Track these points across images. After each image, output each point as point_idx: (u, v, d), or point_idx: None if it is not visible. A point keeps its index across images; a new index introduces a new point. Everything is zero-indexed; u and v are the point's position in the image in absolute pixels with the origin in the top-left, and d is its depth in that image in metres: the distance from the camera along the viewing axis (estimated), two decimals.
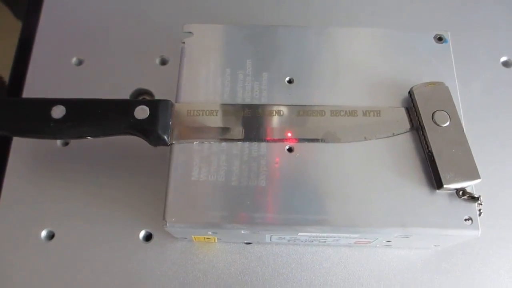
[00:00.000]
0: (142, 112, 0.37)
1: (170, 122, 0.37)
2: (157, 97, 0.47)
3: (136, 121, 0.36)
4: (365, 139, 0.37)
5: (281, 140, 0.37)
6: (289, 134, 0.37)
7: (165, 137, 0.36)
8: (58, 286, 0.41)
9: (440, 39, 0.41)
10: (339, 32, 0.42)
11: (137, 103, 0.37)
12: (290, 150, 0.37)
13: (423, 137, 0.37)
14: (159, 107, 0.37)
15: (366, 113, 0.38)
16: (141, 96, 0.48)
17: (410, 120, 0.38)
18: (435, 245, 0.42)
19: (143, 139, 0.37)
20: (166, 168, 0.36)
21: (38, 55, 0.50)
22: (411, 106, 0.38)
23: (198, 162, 0.36)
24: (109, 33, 0.51)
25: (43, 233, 0.43)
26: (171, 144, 0.37)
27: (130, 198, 0.43)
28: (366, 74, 0.40)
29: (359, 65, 0.40)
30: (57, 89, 0.48)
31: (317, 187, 0.36)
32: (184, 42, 0.40)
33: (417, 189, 0.36)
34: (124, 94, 0.47)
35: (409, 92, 0.38)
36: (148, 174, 0.43)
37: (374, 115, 0.38)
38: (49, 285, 0.41)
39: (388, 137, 0.37)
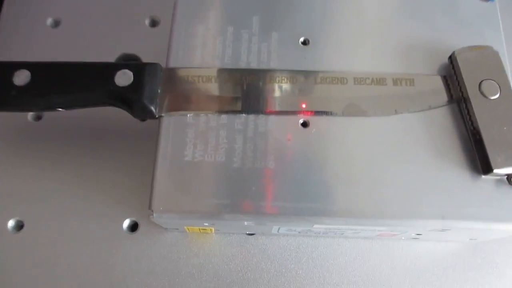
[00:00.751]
0: (124, 77, 0.30)
1: (159, 90, 0.30)
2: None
3: (116, 88, 0.30)
4: (396, 112, 0.31)
5: (294, 112, 0.30)
6: (304, 106, 0.30)
7: (152, 108, 0.30)
8: (28, 284, 0.34)
9: None
10: None
11: (118, 66, 0.30)
12: (304, 124, 0.30)
13: (466, 111, 0.30)
14: (145, 72, 0.30)
15: (396, 81, 0.31)
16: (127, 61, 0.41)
17: (449, 91, 0.31)
18: (471, 239, 0.35)
19: (126, 110, 0.30)
20: (154, 146, 0.30)
21: (7, 16, 0.43)
22: (451, 74, 0.31)
23: (192, 139, 0.30)
24: None
25: (10, 223, 0.36)
26: (159, 116, 0.30)
27: (112, 181, 0.37)
28: (397, 35, 0.33)
29: (388, 24, 0.34)
30: (29, 55, 0.41)
31: (337, 170, 0.29)
32: None
33: (459, 174, 0.30)
34: (110, 59, 0.40)
35: (449, 58, 0.32)
36: (133, 153, 0.37)
37: (406, 84, 0.31)
38: (18, 282, 0.34)
39: (422, 110, 0.31)
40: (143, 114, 0.30)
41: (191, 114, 0.30)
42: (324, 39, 0.33)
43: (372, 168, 0.29)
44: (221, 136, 0.30)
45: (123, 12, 0.42)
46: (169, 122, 0.30)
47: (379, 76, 0.31)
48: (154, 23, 0.42)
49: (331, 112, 0.30)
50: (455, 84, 0.31)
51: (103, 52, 0.40)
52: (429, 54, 0.33)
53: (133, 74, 0.30)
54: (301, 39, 0.33)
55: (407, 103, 0.31)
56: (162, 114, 0.30)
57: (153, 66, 0.31)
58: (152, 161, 0.29)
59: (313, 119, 0.30)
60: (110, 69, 0.30)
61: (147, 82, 0.30)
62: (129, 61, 0.41)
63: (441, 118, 0.31)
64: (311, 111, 0.30)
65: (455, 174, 0.29)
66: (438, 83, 0.32)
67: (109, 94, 0.30)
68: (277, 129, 0.30)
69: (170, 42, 0.32)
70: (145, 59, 0.40)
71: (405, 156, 0.30)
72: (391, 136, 0.30)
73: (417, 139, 0.30)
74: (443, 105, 0.31)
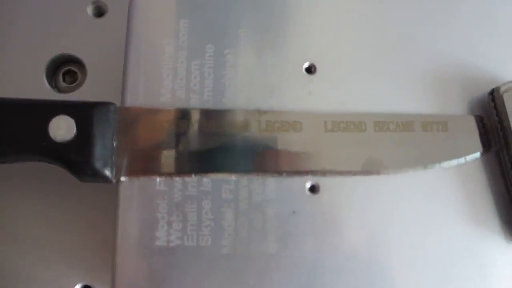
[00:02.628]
0: (62, 127, 0.21)
1: (114, 143, 0.22)
2: (89, 68, 0.30)
3: (51, 144, 0.21)
4: (424, 168, 0.24)
5: (299, 173, 0.23)
6: (312, 163, 0.23)
7: (106, 172, 0.21)
8: None
9: None
10: None
11: (52, 110, 0.21)
12: (313, 189, 0.23)
13: (509, 162, 0.24)
14: (93, 118, 0.21)
15: (427, 125, 0.24)
16: (64, 66, 0.31)
17: (486, 136, 0.25)
18: None
19: (68, 171, 0.22)
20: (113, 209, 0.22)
21: None
22: (491, 114, 0.25)
23: (165, 214, 0.22)
24: None
25: None
26: (117, 181, 0.22)
27: (63, 242, 0.28)
28: (424, 63, 0.26)
29: (414, 49, 0.26)
30: None
31: (358, 251, 0.22)
32: None
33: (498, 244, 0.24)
34: (38, 63, 0.30)
35: (490, 94, 0.25)
36: (87, 205, 0.28)
37: (438, 129, 0.24)
38: None
39: (458, 164, 0.24)
40: (93, 178, 0.22)
41: (162, 178, 0.22)
42: (335, 66, 0.25)
43: (401, 246, 0.23)
44: (205, 209, 0.22)
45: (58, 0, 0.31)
46: (132, 190, 0.22)
47: (406, 119, 0.24)
48: (99, 12, 0.32)
49: (346, 172, 0.23)
50: (494, 127, 0.25)
51: (32, 52, 0.30)
52: (461, 88, 0.26)
53: (76, 122, 0.21)
54: (305, 65, 0.25)
55: (440, 155, 0.24)
56: (121, 178, 0.22)
57: (105, 107, 0.22)
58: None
59: (324, 181, 0.23)
60: (41, 114, 0.21)
61: (97, 133, 0.21)
62: (66, 65, 0.31)
63: (475, 172, 0.25)
64: (322, 171, 0.23)
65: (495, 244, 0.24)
66: (473, 126, 0.25)
67: (42, 152, 0.21)
68: (278, 197, 0.23)
69: (125, 66, 0.23)
70: (88, 60, 0.30)
71: (435, 224, 0.24)
72: (419, 200, 0.24)
73: (447, 201, 0.24)
74: (480, 155, 0.25)
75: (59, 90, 0.30)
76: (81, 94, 0.30)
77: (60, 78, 0.31)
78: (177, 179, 0.22)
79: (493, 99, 0.25)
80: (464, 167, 0.24)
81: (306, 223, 0.22)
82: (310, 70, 0.24)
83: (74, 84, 0.30)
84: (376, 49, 0.25)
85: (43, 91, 0.30)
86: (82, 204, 0.27)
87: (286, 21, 0.25)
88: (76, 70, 0.31)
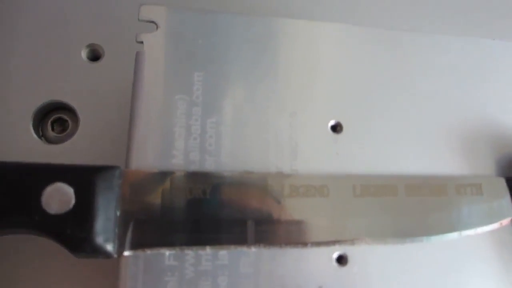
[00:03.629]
0: (57, 197, 0.18)
1: (118, 212, 0.19)
2: (82, 116, 0.27)
3: (45, 217, 0.18)
4: (460, 234, 0.22)
5: (326, 243, 0.20)
6: (340, 232, 0.20)
7: (108, 247, 0.18)
8: None
9: None
10: (413, 40, 0.24)
11: (47, 177, 0.18)
12: (341, 260, 0.21)
13: None
14: (95, 185, 0.18)
15: (460, 188, 0.22)
16: (53, 114, 0.28)
17: None
18: None
19: (64, 247, 0.19)
20: None
21: None
22: None
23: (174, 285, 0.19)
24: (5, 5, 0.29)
25: None
26: (118, 255, 0.19)
27: None
28: (450, 118, 0.24)
29: (440, 103, 0.24)
30: None
31: None
32: (142, 42, 0.21)
33: None
34: (25, 109, 0.27)
35: None
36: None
37: (472, 193, 0.22)
38: None
39: (492, 229, 0.22)
40: (92, 254, 0.19)
41: (172, 252, 0.19)
42: (362, 125, 0.23)
43: None
44: (221, 286, 0.19)
45: (49, 40, 0.28)
46: (136, 266, 0.19)
47: (439, 183, 0.22)
48: (94, 56, 0.29)
49: (377, 240, 0.21)
50: None
51: (20, 97, 0.27)
52: (490, 147, 0.24)
53: (75, 191, 0.18)
54: (331, 123, 0.22)
55: (475, 220, 0.22)
56: (125, 252, 0.19)
57: (110, 172, 0.19)
58: None
59: (353, 251, 0.21)
60: (34, 180, 0.18)
61: (99, 204, 0.18)
62: (56, 112, 0.28)
63: (508, 237, 0.23)
64: (350, 240, 0.21)
65: None
66: (505, 188, 0.23)
67: (34, 225, 0.18)
68: (302, 270, 0.20)
69: (131, 124, 0.21)
70: (82, 108, 0.28)
71: None
72: (454, 271, 0.22)
73: (483, 269, 0.22)
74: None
75: (47, 140, 0.27)
76: (73, 144, 0.27)
77: (49, 127, 0.28)
78: (189, 252, 0.19)
79: None
80: (497, 233, 0.22)
81: None
82: (336, 129, 0.22)
83: (64, 134, 0.27)
84: (404, 107, 0.23)
85: (29, 141, 0.27)
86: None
87: (310, 78, 0.23)
88: (67, 118, 0.28)
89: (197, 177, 0.20)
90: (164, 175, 0.20)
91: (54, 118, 0.28)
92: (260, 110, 0.22)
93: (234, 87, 0.22)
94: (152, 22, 0.22)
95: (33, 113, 0.27)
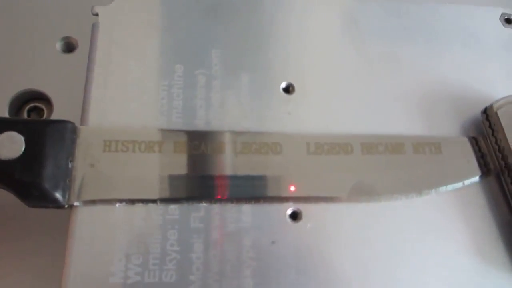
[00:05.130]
0: (9, 144, 0.19)
1: (70, 164, 0.19)
2: (57, 105, 0.28)
3: None
4: (420, 194, 0.21)
5: (278, 199, 0.20)
6: (293, 188, 0.20)
7: (57, 195, 0.19)
8: None
9: (509, 21, 0.26)
10: (365, 7, 0.25)
11: (1, 125, 0.19)
12: (294, 216, 0.20)
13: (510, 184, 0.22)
14: (45, 135, 0.19)
15: (418, 147, 0.22)
16: (29, 103, 0.29)
17: (482, 158, 0.22)
18: None
19: (13, 194, 0.19)
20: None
21: None
22: (486, 135, 0.23)
23: (123, 245, 0.19)
24: None
25: None
26: (69, 205, 0.19)
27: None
28: (410, 82, 0.24)
29: (396, 64, 0.24)
30: None
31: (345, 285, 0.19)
32: (97, 14, 0.22)
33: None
34: (2, 98, 0.28)
35: (483, 112, 0.23)
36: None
37: (431, 152, 0.22)
38: None
39: (455, 189, 0.22)
40: (42, 202, 0.19)
41: (121, 204, 0.19)
42: (315, 85, 0.23)
43: (394, 280, 0.20)
44: (170, 239, 0.19)
45: (24, 32, 0.30)
46: (86, 216, 0.19)
47: (395, 141, 0.22)
48: (68, 47, 0.30)
49: (331, 198, 0.21)
50: (490, 148, 0.23)
51: None
52: (450, 108, 0.24)
53: (25, 140, 0.19)
54: (283, 85, 0.23)
55: (435, 179, 0.22)
56: (75, 203, 0.19)
57: (61, 125, 0.19)
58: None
59: (306, 208, 0.20)
60: None
61: (48, 152, 0.19)
62: (32, 101, 0.29)
63: (474, 196, 0.22)
64: (304, 196, 0.20)
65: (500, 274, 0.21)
66: (468, 148, 0.23)
67: None
68: (254, 225, 0.20)
69: (87, 86, 0.21)
70: (56, 97, 0.28)
71: (437, 259, 0.21)
72: (417, 230, 0.21)
73: (450, 233, 0.21)
74: (478, 178, 0.22)
75: None
76: None
77: (25, 115, 0.28)
78: (139, 205, 0.19)
79: (487, 118, 0.23)
80: (462, 192, 0.22)
81: (287, 254, 0.20)
82: (288, 90, 0.23)
83: None
84: (358, 68, 0.24)
85: None
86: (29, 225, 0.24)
87: (261, 38, 0.24)
88: (42, 107, 0.29)
89: (148, 134, 0.20)
90: (117, 131, 0.20)
91: (30, 107, 0.29)
92: (210, 72, 0.22)
93: (186, 53, 0.22)
94: None
95: (9, 101, 0.28)
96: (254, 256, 0.19)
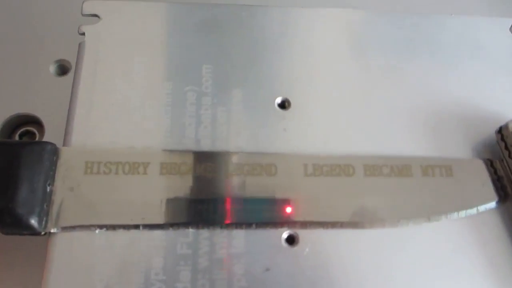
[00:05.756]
0: None
1: (48, 188, 0.18)
2: (49, 129, 0.27)
3: None
4: (428, 220, 0.19)
5: (274, 223, 0.19)
6: (288, 210, 0.19)
7: (33, 222, 0.17)
8: None
9: None
10: (366, 18, 0.24)
11: None
12: (290, 240, 0.19)
13: None
14: (21, 158, 0.18)
15: (427, 170, 0.21)
16: (21, 127, 0.28)
17: (498, 181, 0.21)
18: None
19: None
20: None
21: None
22: (503, 157, 0.21)
23: (104, 273, 0.17)
24: None
25: None
26: (47, 233, 0.18)
27: None
28: (413, 96, 0.23)
29: (401, 80, 0.23)
30: None
31: None
32: (83, 33, 0.22)
33: None
34: None
35: (498, 132, 0.21)
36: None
37: (442, 174, 0.21)
38: None
39: (467, 215, 0.20)
40: (17, 229, 0.17)
41: (103, 230, 0.18)
42: (313, 100, 0.22)
43: None
44: (155, 266, 0.17)
45: (17, 56, 0.29)
46: (65, 244, 0.18)
47: (402, 162, 0.20)
48: (62, 70, 0.29)
49: (331, 223, 0.19)
50: (508, 170, 0.21)
51: None
52: (460, 129, 0.22)
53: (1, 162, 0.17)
54: (278, 100, 0.21)
55: (446, 205, 0.20)
56: (54, 229, 0.18)
57: (39, 147, 0.18)
58: None
59: (303, 232, 0.19)
60: None
61: (24, 176, 0.17)
62: (24, 126, 0.28)
63: (490, 221, 0.20)
64: (301, 221, 0.19)
65: None
66: (482, 171, 0.21)
67: None
68: (248, 251, 0.18)
69: (71, 105, 0.20)
70: (48, 121, 0.28)
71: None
72: (424, 259, 0.19)
73: (459, 262, 0.19)
74: (495, 204, 0.20)
75: None
76: None
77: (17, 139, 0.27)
78: (121, 231, 0.18)
79: (502, 138, 0.21)
80: (476, 219, 0.20)
81: (283, 282, 0.18)
82: (284, 105, 0.21)
83: None
84: (359, 82, 0.22)
85: None
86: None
87: (256, 52, 0.22)
88: (34, 130, 0.28)
89: (134, 155, 0.19)
90: (100, 153, 0.19)
91: (22, 131, 0.28)
92: (201, 89, 0.21)
93: (176, 69, 0.21)
94: (95, 15, 0.22)
95: (1, 126, 0.27)
96: (246, 285, 0.18)
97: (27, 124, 0.28)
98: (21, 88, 0.28)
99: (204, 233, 0.18)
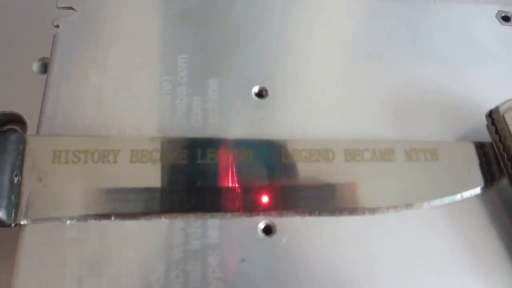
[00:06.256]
0: None
1: (16, 179, 0.17)
2: (31, 128, 0.27)
3: None
4: (409, 207, 0.19)
5: (250, 212, 0.18)
6: (265, 200, 0.18)
7: (1, 214, 0.17)
8: None
9: (506, 18, 0.24)
10: (344, 6, 0.24)
11: None
12: (267, 231, 0.18)
13: None
14: None
15: (411, 154, 0.20)
16: (4, 126, 0.28)
17: (487, 165, 0.20)
18: None
19: None
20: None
21: None
22: (495, 140, 0.20)
23: (76, 266, 0.17)
24: None
25: None
26: (16, 224, 0.17)
27: None
28: (396, 81, 0.22)
29: (381, 65, 0.22)
30: None
31: None
32: (58, 26, 0.21)
33: None
34: None
35: (488, 115, 0.20)
36: None
37: (426, 159, 0.20)
38: None
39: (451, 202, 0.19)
40: None
41: (74, 221, 0.17)
42: (291, 88, 0.21)
43: None
44: (127, 259, 0.17)
45: (1, 54, 0.29)
46: (34, 236, 0.17)
47: (385, 146, 0.20)
48: (45, 68, 0.29)
49: (309, 210, 0.18)
50: (498, 155, 0.20)
51: None
52: (446, 112, 0.21)
53: None
54: (255, 89, 0.21)
55: (429, 191, 0.19)
56: (22, 222, 0.17)
57: (4, 136, 0.18)
58: None
59: (281, 222, 0.18)
60: None
61: None
62: (7, 124, 0.28)
63: (473, 208, 0.19)
64: (278, 209, 0.18)
65: None
66: (471, 154, 0.20)
67: None
68: (222, 242, 0.18)
69: (45, 92, 0.20)
70: (32, 119, 0.27)
71: (426, 278, 0.18)
72: (403, 247, 0.18)
73: (443, 251, 0.18)
74: (480, 190, 0.20)
75: None
76: None
77: None
78: (92, 223, 0.17)
79: (493, 122, 0.20)
80: (458, 205, 0.19)
81: (259, 273, 0.17)
82: (261, 94, 0.21)
83: None
84: (339, 69, 0.22)
85: None
86: None
87: (231, 41, 0.22)
88: (18, 129, 0.27)
89: (104, 142, 0.19)
90: (69, 140, 0.18)
91: (5, 129, 0.27)
92: (176, 79, 0.21)
93: (150, 59, 0.21)
94: (70, 8, 0.22)
95: None
96: (221, 276, 0.17)
97: (10, 122, 0.28)
98: (4, 86, 0.28)
99: (178, 223, 0.18)
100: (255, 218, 0.18)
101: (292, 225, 0.18)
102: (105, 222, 0.18)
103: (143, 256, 0.17)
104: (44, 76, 0.28)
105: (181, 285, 0.17)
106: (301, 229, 0.18)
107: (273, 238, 0.18)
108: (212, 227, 0.18)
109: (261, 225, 0.18)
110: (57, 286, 0.16)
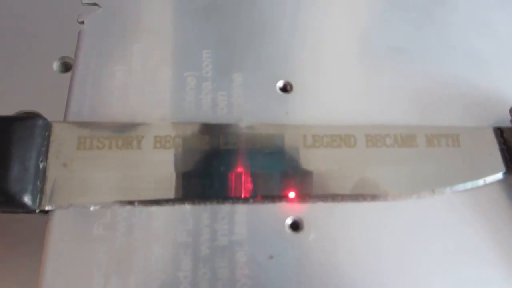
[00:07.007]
0: None
1: (41, 165, 0.18)
2: None
3: None
4: (433, 192, 0.19)
5: (272, 199, 0.18)
6: (287, 185, 0.18)
7: (26, 199, 0.17)
8: None
9: None
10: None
11: None
12: (295, 226, 0.18)
13: None
14: (11, 134, 0.18)
15: (432, 139, 0.20)
16: None
17: (508, 153, 0.20)
18: None
19: None
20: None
21: None
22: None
23: (104, 257, 0.17)
24: None
25: None
26: (42, 211, 0.17)
27: None
28: (419, 73, 0.22)
29: (403, 57, 0.22)
30: None
31: None
32: (83, 22, 0.22)
33: None
34: None
35: None
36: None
37: (448, 144, 0.20)
38: None
39: (473, 187, 0.19)
40: (9, 207, 0.17)
41: (99, 206, 0.17)
42: (315, 82, 0.21)
43: None
44: (155, 256, 0.17)
45: (21, 53, 0.29)
46: (62, 222, 0.17)
47: (406, 132, 0.20)
48: (65, 67, 0.29)
49: (331, 196, 0.18)
50: None
51: None
52: (468, 103, 0.21)
53: None
54: (280, 84, 0.21)
55: (451, 177, 0.19)
56: (49, 206, 0.17)
57: (30, 122, 0.18)
58: None
59: (308, 216, 0.18)
60: None
61: (15, 153, 0.17)
62: None
63: (496, 195, 0.19)
64: (300, 196, 0.18)
65: None
66: (491, 140, 0.20)
67: None
68: (250, 238, 0.17)
69: (71, 84, 0.20)
70: (50, 118, 0.27)
71: (451, 266, 0.18)
72: (427, 234, 0.18)
73: (465, 235, 0.18)
74: (502, 175, 0.19)
75: None
76: None
77: None
78: (118, 208, 0.17)
79: None
80: (482, 190, 0.19)
81: (288, 270, 0.17)
82: (285, 89, 0.21)
83: None
84: (362, 63, 0.22)
85: None
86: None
87: (256, 37, 0.22)
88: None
89: (132, 128, 0.19)
90: (95, 126, 0.19)
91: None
92: (201, 74, 0.21)
93: (174, 54, 0.21)
94: (95, 4, 0.22)
95: None
96: (249, 273, 0.17)
97: None
98: (24, 85, 0.28)
99: (205, 219, 0.18)
100: (281, 211, 0.18)
101: (319, 220, 0.18)
102: (132, 219, 0.17)
103: (169, 253, 0.17)
104: (64, 75, 0.29)
105: (208, 282, 0.17)
106: (329, 225, 0.18)
107: (301, 234, 0.18)
108: (239, 223, 0.18)
109: (289, 221, 0.18)
110: (85, 279, 0.16)
